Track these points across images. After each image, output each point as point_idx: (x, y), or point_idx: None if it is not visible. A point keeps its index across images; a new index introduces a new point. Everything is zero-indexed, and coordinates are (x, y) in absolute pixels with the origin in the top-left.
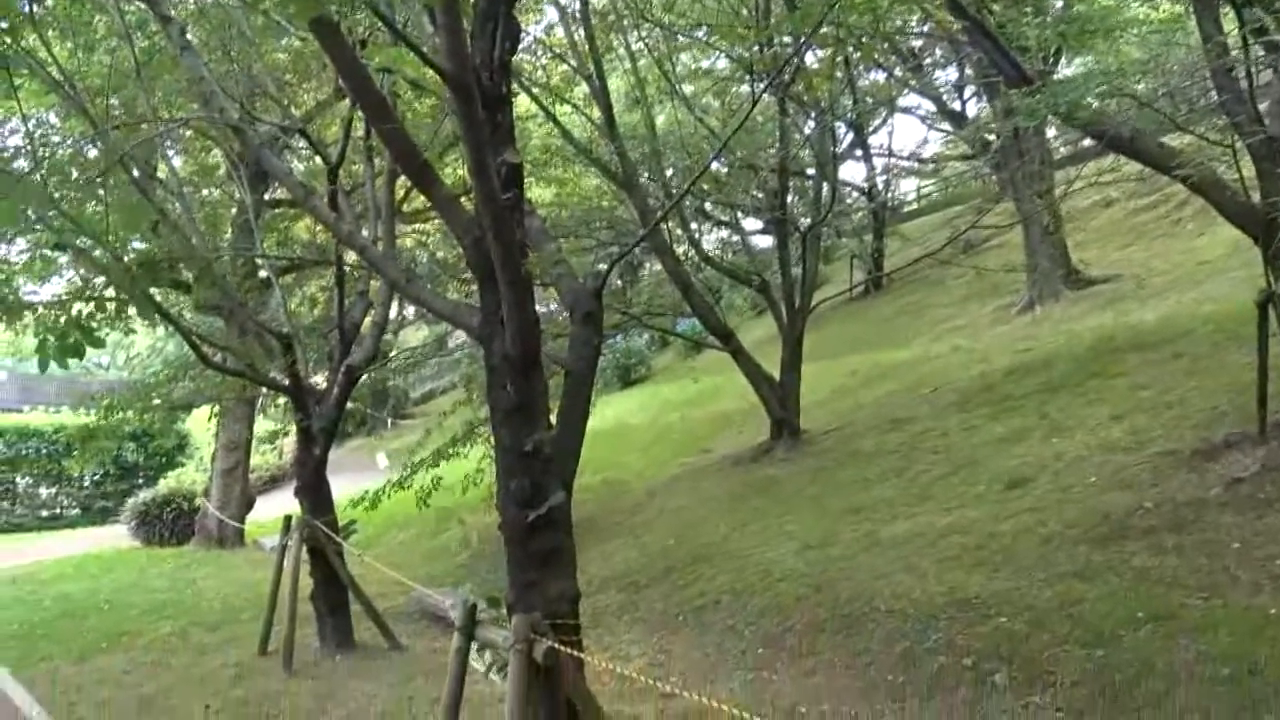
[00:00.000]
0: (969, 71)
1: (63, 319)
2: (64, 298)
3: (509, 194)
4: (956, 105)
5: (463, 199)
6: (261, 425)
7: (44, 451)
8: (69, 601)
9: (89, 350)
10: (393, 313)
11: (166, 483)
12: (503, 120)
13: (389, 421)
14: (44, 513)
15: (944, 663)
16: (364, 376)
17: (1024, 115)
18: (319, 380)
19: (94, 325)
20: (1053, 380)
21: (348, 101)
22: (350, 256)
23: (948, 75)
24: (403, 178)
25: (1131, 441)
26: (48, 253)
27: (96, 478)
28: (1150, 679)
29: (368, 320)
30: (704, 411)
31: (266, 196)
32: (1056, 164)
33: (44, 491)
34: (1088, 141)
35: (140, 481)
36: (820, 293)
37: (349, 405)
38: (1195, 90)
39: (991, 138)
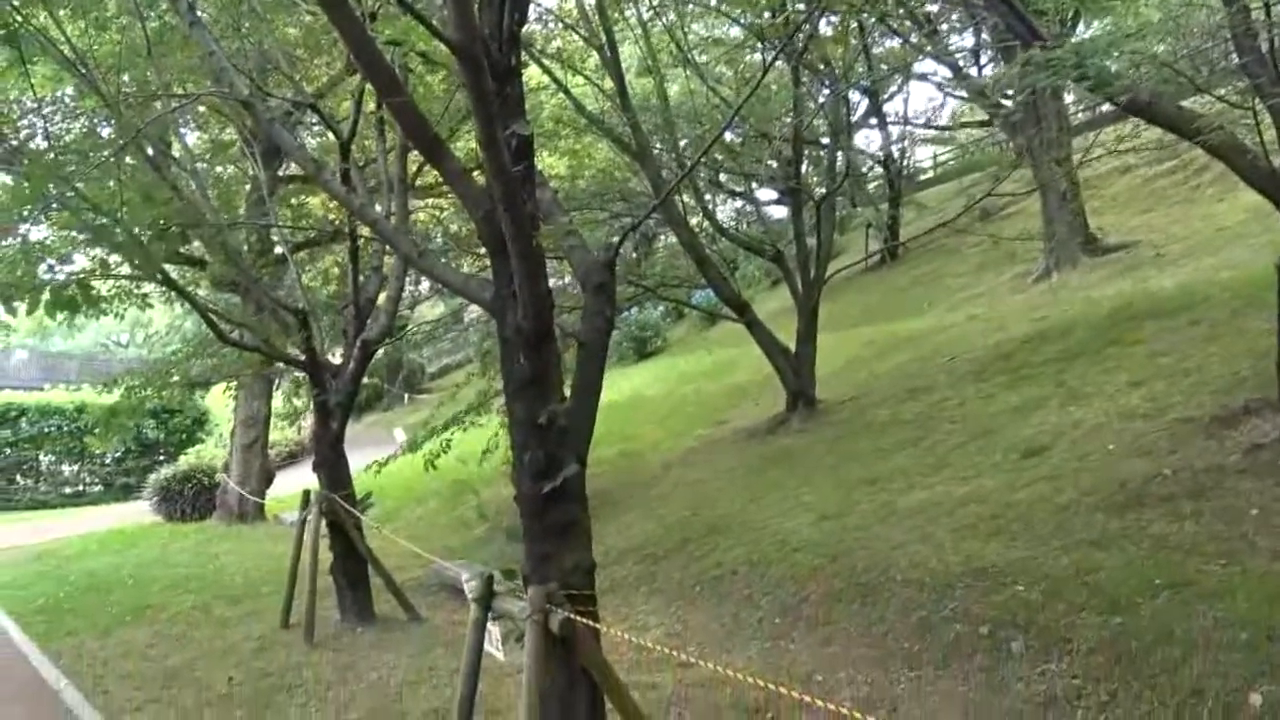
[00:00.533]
0: (985, 37)
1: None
2: (80, 273)
3: (520, 166)
4: (973, 71)
5: (475, 172)
6: (280, 403)
7: (66, 429)
8: (93, 577)
9: (108, 330)
10: (408, 288)
11: (187, 459)
12: (512, 91)
13: (405, 397)
14: (67, 490)
15: (960, 631)
16: (380, 351)
17: (1045, 73)
18: (335, 356)
19: (94, 287)
20: (1070, 348)
21: (359, 76)
22: (364, 231)
23: (963, 41)
24: (415, 152)
25: (1150, 409)
26: (68, 232)
27: (118, 455)
28: (1167, 646)
29: (382, 295)
30: (720, 383)
31: (280, 172)
32: (1074, 130)
33: (67, 469)
34: (1106, 107)
35: (161, 458)
36: (835, 263)
37: (365, 380)
38: (1216, 52)
39: (1008, 102)
